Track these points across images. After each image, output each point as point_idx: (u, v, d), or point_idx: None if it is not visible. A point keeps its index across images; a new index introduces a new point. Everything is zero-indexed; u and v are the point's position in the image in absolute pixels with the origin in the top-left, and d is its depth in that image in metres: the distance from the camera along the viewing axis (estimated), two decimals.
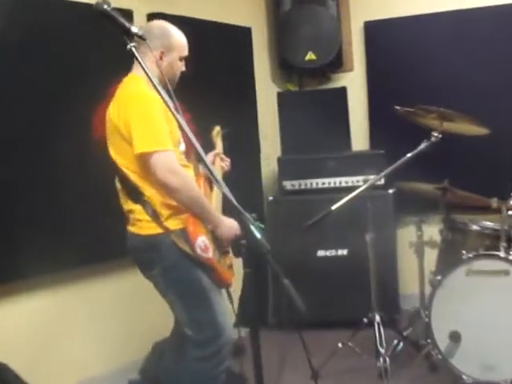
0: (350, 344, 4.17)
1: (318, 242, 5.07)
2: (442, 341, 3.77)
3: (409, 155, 3.78)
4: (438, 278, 3.85)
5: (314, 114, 5.39)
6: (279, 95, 5.71)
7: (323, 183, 5.21)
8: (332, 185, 5.18)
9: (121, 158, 2.94)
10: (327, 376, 4.07)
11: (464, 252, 3.82)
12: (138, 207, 2.96)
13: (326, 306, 4.95)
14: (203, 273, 2.96)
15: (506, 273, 3.67)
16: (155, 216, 2.92)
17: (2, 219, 3.44)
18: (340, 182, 5.17)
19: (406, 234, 5.03)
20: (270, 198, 5.25)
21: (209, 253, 2.93)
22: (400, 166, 3.78)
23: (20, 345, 3.61)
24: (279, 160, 5.36)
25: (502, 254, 3.72)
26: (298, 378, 4.14)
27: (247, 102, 5.25)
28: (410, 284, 4.95)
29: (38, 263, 3.54)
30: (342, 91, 5.66)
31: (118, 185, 3.03)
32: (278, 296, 5.14)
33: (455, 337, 3.74)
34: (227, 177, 3.35)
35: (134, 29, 2.16)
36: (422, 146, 3.81)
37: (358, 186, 3.89)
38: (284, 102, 5.68)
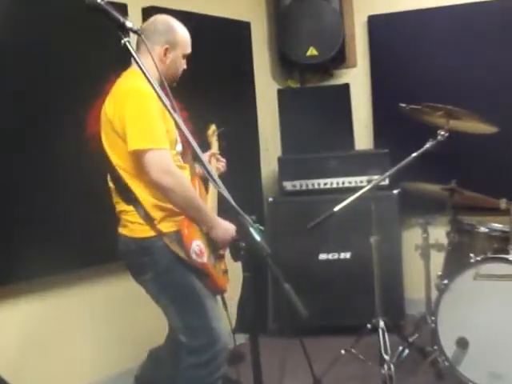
0: (353, 351, 4.17)
1: (320, 244, 5.07)
2: (449, 347, 3.77)
3: (414, 154, 3.77)
4: (445, 282, 3.85)
5: (316, 112, 5.39)
6: (279, 92, 5.71)
7: (325, 184, 5.21)
8: (334, 185, 5.19)
9: (114, 155, 2.94)
10: None
11: (472, 255, 3.82)
12: (130, 208, 2.96)
13: (329, 312, 4.96)
14: (197, 278, 2.96)
15: None
16: (148, 218, 2.92)
17: None
18: (343, 183, 5.17)
19: (412, 237, 5.02)
20: (270, 199, 5.25)
21: (204, 258, 2.93)
22: (405, 166, 3.78)
23: (10, 350, 3.62)
24: (279, 159, 5.36)
25: (511, 257, 3.72)
26: None
27: (246, 100, 5.25)
28: (415, 288, 4.95)
29: (31, 267, 3.55)
30: (345, 88, 5.67)
31: (111, 184, 3.03)
32: (279, 301, 5.14)
33: (462, 343, 3.74)
34: (224, 177, 3.35)
35: (129, 23, 2.16)
36: (428, 144, 3.81)
37: (362, 187, 3.89)
38: (284, 99, 5.68)
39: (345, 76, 5.80)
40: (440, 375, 3.98)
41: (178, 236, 2.91)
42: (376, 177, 4.43)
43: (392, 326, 4.18)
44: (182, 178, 2.88)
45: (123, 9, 4.00)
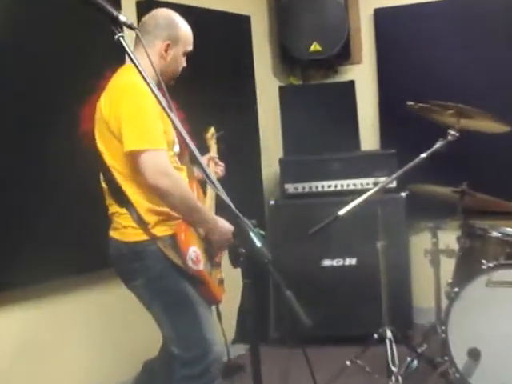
0: (358, 362, 4.17)
1: (324, 250, 5.07)
2: (460, 358, 3.77)
3: (423, 155, 3.78)
4: (456, 289, 3.85)
5: (319, 111, 5.40)
6: (281, 90, 5.72)
7: (329, 186, 5.21)
8: (339, 188, 5.19)
9: (109, 156, 2.94)
10: None
11: (484, 261, 3.82)
12: (123, 211, 2.96)
13: (333, 321, 4.96)
14: (191, 286, 2.96)
15: None
16: (141, 222, 2.91)
17: None
18: (347, 185, 5.18)
19: (421, 242, 5.02)
20: (271, 203, 5.26)
21: (200, 265, 2.93)
22: (413, 167, 3.78)
23: (3, 358, 3.64)
24: (281, 161, 5.37)
25: None
26: None
27: (246, 97, 5.26)
28: (424, 296, 4.95)
29: (24, 273, 3.57)
30: (350, 85, 5.67)
31: (104, 185, 3.04)
32: (280, 309, 5.14)
33: (474, 354, 3.74)
34: (223, 180, 3.35)
35: (122, 17, 2.16)
36: (438, 145, 3.81)
37: (368, 190, 3.89)
38: (286, 97, 5.68)
39: (350, 72, 5.81)
40: None
41: (172, 241, 2.92)
42: (383, 179, 4.43)
43: (400, 336, 4.18)
44: (179, 179, 2.88)
45: (117, 2, 4.01)
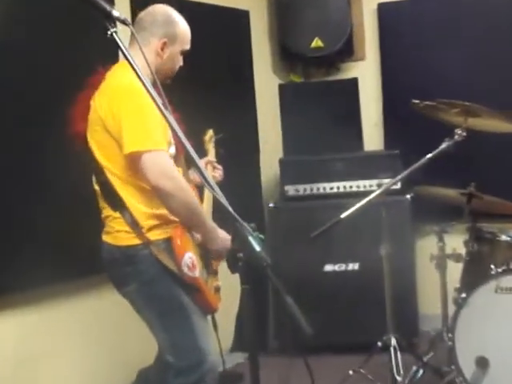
0: (362, 371, 4.17)
1: (325, 254, 5.07)
2: (468, 367, 3.77)
3: (429, 156, 3.78)
4: (463, 295, 3.85)
5: (321, 110, 5.40)
6: (281, 88, 5.73)
7: (331, 188, 5.22)
8: (341, 190, 5.20)
9: (103, 156, 2.94)
10: None
11: (492, 266, 3.82)
12: (116, 215, 2.96)
13: (335, 328, 4.96)
14: (186, 293, 2.96)
15: None
16: (135, 226, 2.92)
17: None
18: (350, 187, 5.18)
19: (426, 246, 5.02)
20: (271, 205, 5.26)
21: (196, 272, 2.93)
22: (419, 169, 3.79)
23: None
24: (281, 161, 5.37)
25: None
26: None
27: (245, 96, 5.27)
28: (430, 303, 4.95)
29: (18, 278, 3.59)
30: (353, 83, 5.68)
31: (96, 187, 3.03)
32: (280, 316, 5.14)
33: (482, 363, 3.74)
34: (221, 184, 3.35)
35: (116, 12, 2.16)
36: (444, 145, 3.81)
37: (371, 191, 3.90)
38: (286, 95, 5.69)
39: (353, 70, 5.82)
40: None
41: (167, 245, 2.92)
42: (387, 180, 4.43)
43: (405, 344, 4.18)
44: (182, 182, 2.88)
45: None
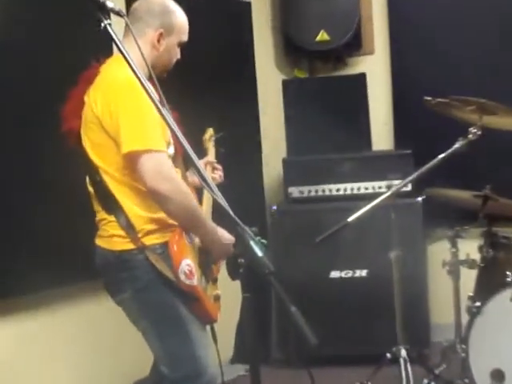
0: None
1: (332, 260, 5.08)
2: (482, 380, 3.77)
3: (441, 156, 3.78)
4: (477, 304, 3.85)
5: (327, 107, 5.41)
6: (285, 84, 5.73)
7: (337, 190, 5.21)
8: (348, 192, 5.19)
9: (97, 156, 2.94)
10: None
11: (508, 273, 3.82)
12: (111, 218, 2.96)
13: (342, 338, 4.96)
14: (183, 302, 2.96)
15: None
16: (130, 229, 2.91)
17: None
18: (358, 189, 5.18)
19: (438, 252, 5.02)
20: (274, 208, 5.26)
21: (194, 280, 2.93)
22: (431, 169, 3.79)
23: None
24: (284, 162, 5.37)
25: None
26: None
27: (246, 93, 5.27)
28: (442, 312, 4.95)
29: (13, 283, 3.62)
30: (361, 78, 5.68)
31: (90, 188, 3.03)
32: (283, 326, 5.14)
33: (498, 376, 3.74)
34: (221, 186, 3.35)
35: (110, 3, 2.17)
36: (458, 144, 3.81)
37: (380, 194, 3.90)
38: (291, 91, 5.69)
39: (361, 64, 5.82)
40: None
41: (163, 250, 2.92)
42: (397, 182, 4.43)
43: (415, 356, 4.19)
44: (181, 184, 2.88)
45: None
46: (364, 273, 5.08)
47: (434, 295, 5.15)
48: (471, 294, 4.12)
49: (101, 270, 3.05)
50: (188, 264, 2.90)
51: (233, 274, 2.29)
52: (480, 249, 4.13)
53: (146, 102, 2.72)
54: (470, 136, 3.81)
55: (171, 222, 2.93)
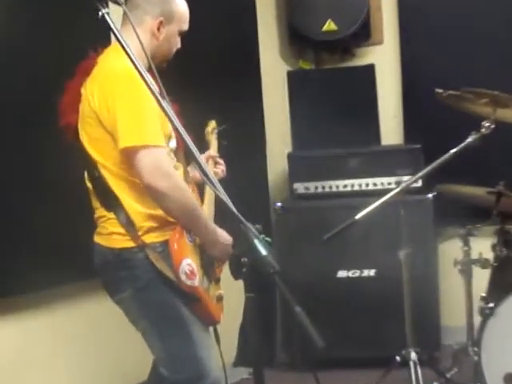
0: None
1: (339, 259, 5.08)
2: None
3: (453, 151, 3.78)
4: (490, 305, 3.85)
5: (334, 99, 5.41)
6: (290, 75, 5.73)
7: (345, 186, 5.21)
8: (356, 188, 5.19)
9: (95, 151, 2.94)
10: None
11: None
12: (110, 215, 2.96)
13: (349, 341, 4.96)
14: (184, 303, 2.96)
15: None
16: (130, 227, 2.92)
17: None
18: (366, 185, 5.18)
19: (450, 250, 5.02)
20: (278, 205, 5.25)
21: (195, 280, 2.92)
22: (442, 165, 3.79)
23: None
24: (290, 157, 5.37)
25: None
26: None
27: (250, 84, 5.27)
28: (454, 313, 4.95)
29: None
30: (370, 70, 5.68)
31: (89, 184, 3.04)
32: (288, 327, 5.14)
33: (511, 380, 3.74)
34: (223, 181, 3.35)
35: None
36: (470, 139, 3.81)
37: (389, 190, 3.90)
38: (296, 83, 5.69)
39: (369, 55, 5.82)
40: None
41: (164, 248, 2.92)
42: (406, 178, 4.43)
43: (426, 359, 4.19)
44: (179, 181, 2.88)
45: None
46: (372, 272, 5.08)
47: (445, 296, 5.15)
48: (484, 295, 4.12)
49: (99, 268, 3.05)
50: (189, 264, 2.90)
51: (236, 273, 2.29)
52: (493, 247, 4.14)
53: (145, 93, 2.71)
54: (483, 130, 3.81)
55: (171, 219, 2.93)
